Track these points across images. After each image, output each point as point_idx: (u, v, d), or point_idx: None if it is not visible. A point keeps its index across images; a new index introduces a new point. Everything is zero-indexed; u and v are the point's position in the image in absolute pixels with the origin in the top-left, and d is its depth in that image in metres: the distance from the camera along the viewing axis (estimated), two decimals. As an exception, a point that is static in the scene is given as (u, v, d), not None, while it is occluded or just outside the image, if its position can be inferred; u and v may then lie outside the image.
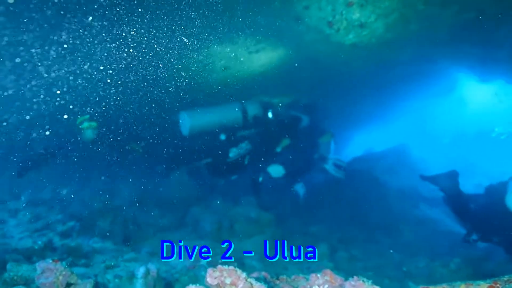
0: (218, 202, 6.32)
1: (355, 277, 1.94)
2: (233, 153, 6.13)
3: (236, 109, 6.06)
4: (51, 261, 2.47)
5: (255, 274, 2.16)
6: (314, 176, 7.99)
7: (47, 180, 7.43)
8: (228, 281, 1.74)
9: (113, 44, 6.15)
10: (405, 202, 10.25)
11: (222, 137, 6.05)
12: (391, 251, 6.86)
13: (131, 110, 6.85)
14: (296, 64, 8.31)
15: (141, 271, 2.85)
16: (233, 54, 7.51)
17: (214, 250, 4.83)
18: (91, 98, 6.69)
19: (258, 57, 7.82)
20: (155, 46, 6.26)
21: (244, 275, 1.77)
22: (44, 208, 6.37)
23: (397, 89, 12.34)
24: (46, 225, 5.29)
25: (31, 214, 5.81)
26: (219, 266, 1.80)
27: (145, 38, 6.17)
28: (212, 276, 1.76)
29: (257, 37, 7.05)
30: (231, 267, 1.80)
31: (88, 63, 6.38)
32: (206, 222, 6.00)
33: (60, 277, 2.40)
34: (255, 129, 6.27)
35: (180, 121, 5.87)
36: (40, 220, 5.62)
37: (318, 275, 2.07)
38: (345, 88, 10.42)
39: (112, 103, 6.86)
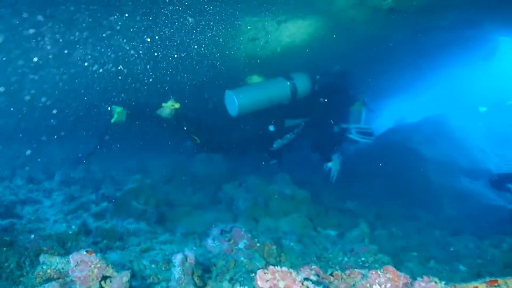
0: (252, 178, 6.12)
1: (425, 277, 1.68)
2: (277, 144, 5.89)
3: (288, 83, 5.62)
4: (85, 252, 2.32)
5: (306, 270, 1.93)
6: (345, 147, 7.65)
7: (80, 159, 7.43)
8: (281, 284, 1.52)
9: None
10: (445, 174, 9.79)
11: (271, 128, 5.78)
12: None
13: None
14: (327, 33, 7.89)
15: (178, 258, 2.68)
16: (261, 24, 7.18)
17: (250, 231, 4.64)
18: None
19: (286, 27, 7.46)
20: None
21: (300, 277, 1.55)
22: (77, 187, 6.35)
23: (435, 57, 11.70)
24: (80, 205, 5.22)
25: (65, 194, 5.77)
26: (271, 267, 1.57)
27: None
28: (263, 279, 1.54)
29: (286, 5, 6.68)
30: (284, 269, 1.57)
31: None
32: (239, 199, 5.82)
33: (95, 270, 2.25)
34: (304, 110, 5.92)
35: (226, 101, 5.56)
36: (74, 200, 5.58)
37: (379, 272, 1.82)
38: (379, 57, 9.91)
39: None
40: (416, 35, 8.92)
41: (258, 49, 7.93)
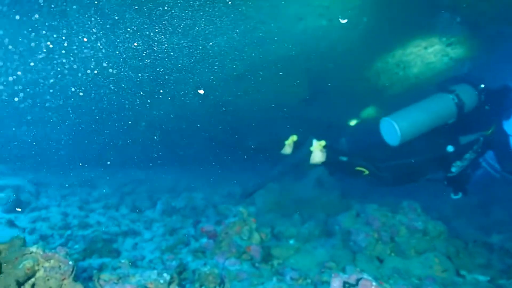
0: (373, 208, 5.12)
1: None
2: (456, 167, 5.04)
3: (450, 96, 4.80)
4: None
5: None
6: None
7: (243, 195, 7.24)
8: None
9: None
10: None
11: (450, 149, 4.93)
12: None
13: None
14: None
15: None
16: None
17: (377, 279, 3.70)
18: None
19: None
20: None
21: None
22: (179, 218, 5.95)
23: None
24: (179, 240, 4.74)
25: (165, 226, 5.37)
26: None
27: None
28: None
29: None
30: None
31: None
32: (359, 233, 4.89)
33: None
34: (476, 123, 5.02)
35: (383, 129, 4.92)
36: (174, 234, 5.15)
37: None
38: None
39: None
40: None
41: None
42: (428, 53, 8.13)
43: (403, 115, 4.73)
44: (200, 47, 7.69)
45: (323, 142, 4.86)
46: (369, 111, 9.76)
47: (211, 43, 7.52)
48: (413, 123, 4.65)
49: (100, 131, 9.97)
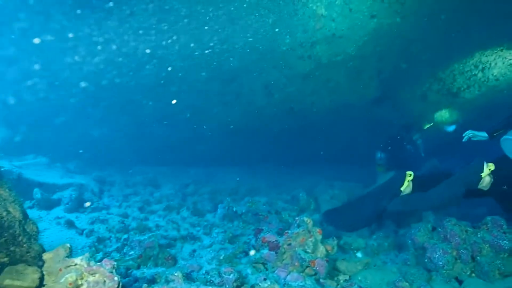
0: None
1: None
2: None
3: None
4: None
5: None
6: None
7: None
8: None
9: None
10: None
11: None
12: None
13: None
14: None
15: None
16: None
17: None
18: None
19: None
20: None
21: None
22: (240, 224, 5.76)
23: None
24: (238, 248, 4.53)
25: (225, 232, 5.19)
26: None
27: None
28: None
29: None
30: None
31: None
32: (435, 250, 4.40)
33: None
34: None
35: (507, 149, 4.61)
36: (234, 241, 4.96)
37: None
38: None
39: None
40: None
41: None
42: (510, 53, 7.37)
43: None
44: (268, 46, 7.52)
45: (492, 166, 4.59)
46: (443, 114, 9.08)
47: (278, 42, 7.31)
48: None
49: (167, 128, 10.09)
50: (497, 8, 6.44)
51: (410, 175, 4.84)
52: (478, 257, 4.30)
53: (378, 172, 9.12)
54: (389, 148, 8.91)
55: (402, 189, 4.79)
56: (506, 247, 4.26)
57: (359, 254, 5.43)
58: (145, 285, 2.84)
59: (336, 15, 6.65)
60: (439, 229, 4.66)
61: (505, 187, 4.63)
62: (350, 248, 5.49)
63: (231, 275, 3.52)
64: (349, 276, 4.33)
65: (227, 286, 3.49)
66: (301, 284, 3.69)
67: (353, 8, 6.51)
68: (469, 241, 4.41)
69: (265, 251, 4.14)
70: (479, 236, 4.42)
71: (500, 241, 4.29)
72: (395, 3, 6.36)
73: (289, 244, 4.08)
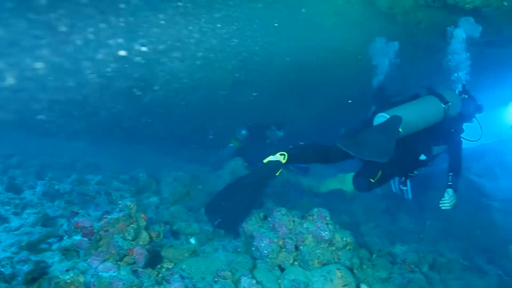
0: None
1: None
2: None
3: (442, 105, 4.88)
4: None
5: None
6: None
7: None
8: None
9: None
10: (510, 215, 8.08)
11: (422, 157, 4.98)
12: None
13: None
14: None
15: None
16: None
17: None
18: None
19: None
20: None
21: None
22: (61, 203, 5.09)
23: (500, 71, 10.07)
24: (49, 233, 3.95)
25: (40, 213, 4.50)
26: None
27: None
28: None
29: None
30: None
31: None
32: (262, 239, 4.42)
33: None
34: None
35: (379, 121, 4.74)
36: (47, 224, 4.33)
37: None
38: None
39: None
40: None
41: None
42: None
43: (400, 112, 4.57)
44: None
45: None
46: None
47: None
48: (407, 120, 4.52)
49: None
50: None
51: (282, 154, 4.79)
52: (301, 247, 4.43)
53: (227, 151, 9.22)
54: (254, 131, 9.04)
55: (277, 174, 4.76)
56: (326, 238, 4.46)
57: (192, 240, 5.23)
58: None
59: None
60: (269, 219, 4.71)
61: None
62: (183, 233, 5.26)
63: (26, 265, 2.98)
64: (173, 265, 4.10)
65: (19, 279, 2.94)
66: (113, 274, 3.33)
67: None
68: (295, 231, 4.53)
69: (78, 238, 3.65)
70: (304, 226, 4.55)
71: (322, 232, 4.48)
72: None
73: (107, 231, 3.66)
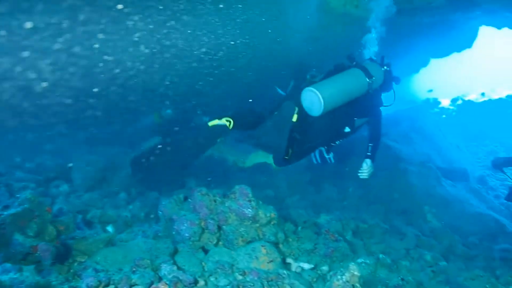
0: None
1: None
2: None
3: (367, 80, 4.89)
4: None
5: None
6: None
7: None
8: None
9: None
10: (425, 177, 8.56)
11: (347, 129, 5.15)
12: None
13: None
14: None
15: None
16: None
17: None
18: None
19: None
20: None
21: None
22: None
23: (409, 40, 10.54)
24: None
25: None
26: None
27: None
28: None
29: None
30: None
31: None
32: (183, 222, 4.24)
33: None
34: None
35: (305, 100, 4.79)
36: None
37: None
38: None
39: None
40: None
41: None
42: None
43: (326, 87, 4.66)
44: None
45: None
46: None
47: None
48: (335, 95, 4.63)
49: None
50: None
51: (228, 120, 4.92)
52: (224, 226, 4.31)
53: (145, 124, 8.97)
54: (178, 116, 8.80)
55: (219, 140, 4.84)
56: (249, 215, 4.36)
57: (109, 228, 4.93)
58: None
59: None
60: (190, 200, 4.53)
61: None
62: (99, 221, 4.94)
63: None
64: (87, 258, 3.80)
65: None
66: (14, 276, 2.99)
67: None
68: (216, 210, 4.38)
69: (-30, 239, 3.22)
70: (226, 205, 4.42)
71: (245, 209, 4.37)
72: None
73: (4, 229, 3.27)
